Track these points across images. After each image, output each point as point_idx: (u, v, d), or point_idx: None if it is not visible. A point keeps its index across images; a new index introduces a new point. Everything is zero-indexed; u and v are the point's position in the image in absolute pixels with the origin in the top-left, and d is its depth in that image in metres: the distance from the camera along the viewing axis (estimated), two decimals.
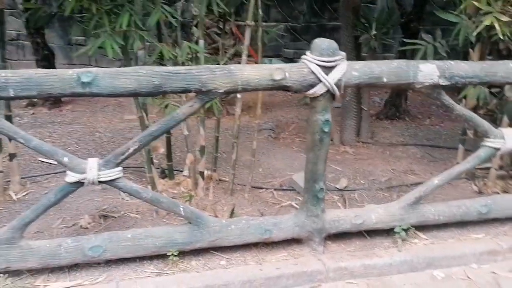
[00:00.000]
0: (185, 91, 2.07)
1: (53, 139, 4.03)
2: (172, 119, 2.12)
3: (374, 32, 3.78)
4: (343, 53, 2.17)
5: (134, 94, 2.04)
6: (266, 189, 3.20)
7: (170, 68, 2.05)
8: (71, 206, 2.82)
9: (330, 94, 2.20)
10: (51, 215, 2.71)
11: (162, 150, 3.04)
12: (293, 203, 2.97)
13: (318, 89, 2.16)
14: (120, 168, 2.14)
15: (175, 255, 2.26)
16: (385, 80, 2.26)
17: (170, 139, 3.10)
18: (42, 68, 2.27)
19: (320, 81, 2.14)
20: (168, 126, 2.14)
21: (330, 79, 2.14)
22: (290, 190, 3.19)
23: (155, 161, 3.09)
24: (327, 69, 2.14)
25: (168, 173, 3.16)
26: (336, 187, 3.20)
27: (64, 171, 3.30)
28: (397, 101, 5.13)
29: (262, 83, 2.10)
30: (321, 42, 2.14)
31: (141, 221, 2.69)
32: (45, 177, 3.25)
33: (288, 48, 7.22)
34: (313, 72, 2.13)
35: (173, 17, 2.55)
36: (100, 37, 2.44)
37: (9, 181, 3.00)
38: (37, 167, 3.45)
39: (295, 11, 7.07)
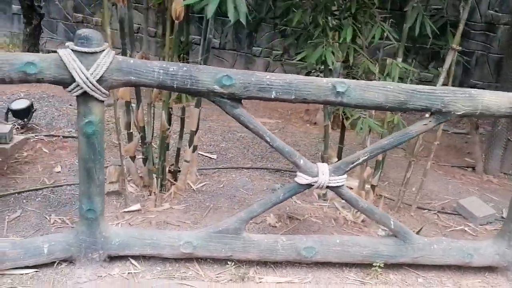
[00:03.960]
0: (426, 110, 2.11)
1: (199, 134, 4.21)
2: (404, 135, 2.18)
3: None
4: None
5: (379, 108, 2.11)
6: (429, 210, 3.20)
7: (415, 86, 2.10)
8: (250, 203, 2.94)
9: None
10: (236, 210, 2.85)
11: (336, 159, 3.11)
12: (466, 229, 2.96)
13: None
14: (346, 176, 2.22)
15: (380, 267, 2.31)
16: None
17: (342, 150, 3.18)
18: None
19: None
20: (400, 141, 2.20)
21: None
22: (454, 214, 3.17)
23: None
24: None
25: None
26: (502, 217, 3.15)
27: (228, 168, 3.51)
28: None
29: (501, 110, 2.12)
30: None
31: (323, 227, 2.76)
32: (212, 171, 3.41)
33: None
34: None
35: (392, 35, 2.62)
36: (318, 47, 2.54)
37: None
38: (199, 160, 3.62)
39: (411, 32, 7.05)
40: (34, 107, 3.84)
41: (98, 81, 1.91)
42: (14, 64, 1.82)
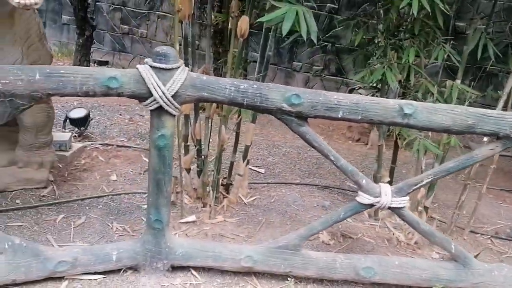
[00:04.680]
0: (493, 134, 2.10)
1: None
2: (470, 159, 2.17)
3: None
4: None
5: (446, 131, 2.11)
6: (482, 234, 3.14)
7: (483, 110, 2.10)
8: (302, 219, 2.96)
9: None
10: (289, 225, 2.87)
11: (388, 179, 3.10)
12: None
13: None
14: (408, 198, 2.22)
15: None
16: None
17: (394, 169, 3.17)
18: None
19: None
20: (465, 164, 2.19)
21: None
22: (509, 240, 3.10)
23: None
24: None
25: None
26: None
27: (277, 183, 3.54)
28: None
29: None
30: None
31: (377, 247, 2.75)
32: (261, 185, 3.45)
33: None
34: None
35: (454, 57, 2.62)
36: (378, 67, 2.56)
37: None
38: (248, 174, 3.67)
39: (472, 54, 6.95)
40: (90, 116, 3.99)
41: (173, 96, 1.98)
42: (99, 78, 1.92)
